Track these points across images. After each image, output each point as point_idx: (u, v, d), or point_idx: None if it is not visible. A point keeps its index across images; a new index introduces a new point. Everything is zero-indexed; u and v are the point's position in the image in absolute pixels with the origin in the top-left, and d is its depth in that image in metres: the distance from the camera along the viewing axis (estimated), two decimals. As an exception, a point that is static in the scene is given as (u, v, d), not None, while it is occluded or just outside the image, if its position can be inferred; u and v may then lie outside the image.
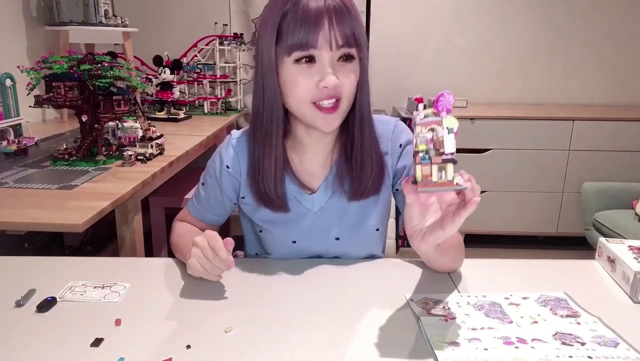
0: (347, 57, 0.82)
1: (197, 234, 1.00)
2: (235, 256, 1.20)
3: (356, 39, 0.81)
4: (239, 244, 1.25)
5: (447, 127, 0.62)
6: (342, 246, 0.96)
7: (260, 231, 0.98)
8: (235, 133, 0.98)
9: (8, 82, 1.90)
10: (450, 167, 0.62)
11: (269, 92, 0.85)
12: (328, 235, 0.95)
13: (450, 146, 0.61)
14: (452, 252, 0.87)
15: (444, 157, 0.62)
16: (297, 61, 0.80)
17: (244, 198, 0.97)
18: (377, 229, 0.99)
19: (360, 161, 0.90)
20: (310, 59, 0.80)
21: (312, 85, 0.81)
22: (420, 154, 0.63)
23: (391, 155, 0.95)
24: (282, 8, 0.80)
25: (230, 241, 0.77)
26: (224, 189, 0.98)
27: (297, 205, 0.94)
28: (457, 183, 0.63)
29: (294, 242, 0.96)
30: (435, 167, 0.62)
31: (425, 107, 0.64)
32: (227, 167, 0.96)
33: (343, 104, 0.84)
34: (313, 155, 0.94)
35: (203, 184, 1.01)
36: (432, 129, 0.63)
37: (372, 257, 1.00)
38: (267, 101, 0.86)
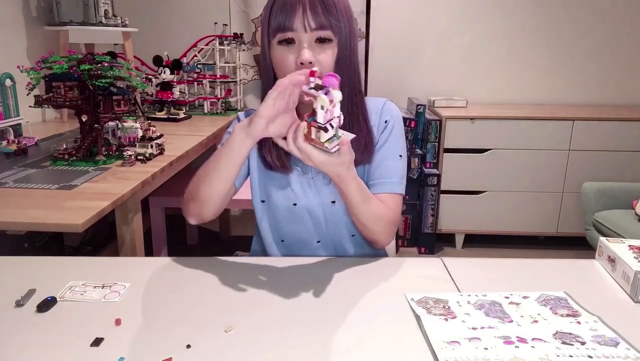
0: (323, 39, 0.91)
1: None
2: (235, 255, 1.22)
3: (330, 23, 0.91)
4: (241, 243, 1.26)
5: (321, 105, 0.74)
6: (338, 210, 1.04)
7: (262, 201, 1.07)
8: (243, 111, 1.11)
9: (8, 82, 1.90)
10: (323, 133, 0.75)
11: (267, 69, 0.98)
12: (325, 198, 1.04)
13: (321, 118, 0.74)
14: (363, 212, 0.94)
15: (318, 125, 0.75)
16: (280, 42, 0.92)
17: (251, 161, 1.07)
18: None
19: (351, 131, 0.93)
20: (290, 41, 0.91)
21: (292, 63, 0.91)
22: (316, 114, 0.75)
23: (377, 129, 1.04)
24: None
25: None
26: None
27: (295, 169, 1.03)
28: (326, 146, 0.76)
29: (295, 204, 1.04)
30: (313, 129, 0.76)
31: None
32: None
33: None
34: None
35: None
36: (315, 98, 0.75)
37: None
38: (267, 75, 0.98)
